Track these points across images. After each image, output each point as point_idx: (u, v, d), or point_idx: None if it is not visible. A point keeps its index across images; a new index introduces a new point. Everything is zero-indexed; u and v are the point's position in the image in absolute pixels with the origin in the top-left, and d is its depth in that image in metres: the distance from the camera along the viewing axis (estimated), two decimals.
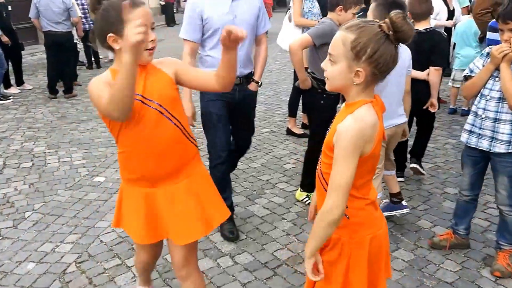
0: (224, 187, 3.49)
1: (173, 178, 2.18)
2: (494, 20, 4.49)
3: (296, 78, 5.65)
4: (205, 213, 2.27)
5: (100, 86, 1.98)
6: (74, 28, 8.40)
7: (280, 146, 5.68)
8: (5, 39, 7.91)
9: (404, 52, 3.27)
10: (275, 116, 6.99)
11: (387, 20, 1.60)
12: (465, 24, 6.40)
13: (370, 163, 1.74)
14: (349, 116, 1.66)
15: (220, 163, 3.54)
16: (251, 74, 3.66)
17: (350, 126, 1.63)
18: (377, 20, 1.66)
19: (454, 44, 6.50)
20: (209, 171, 3.44)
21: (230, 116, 3.59)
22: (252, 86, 3.66)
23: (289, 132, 6.01)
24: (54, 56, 8.08)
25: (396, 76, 3.22)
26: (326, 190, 1.71)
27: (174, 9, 22.00)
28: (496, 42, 4.41)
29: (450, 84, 6.79)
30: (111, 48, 2.01)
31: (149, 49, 2.01)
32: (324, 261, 1.82)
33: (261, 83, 3.74)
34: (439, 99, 5.40)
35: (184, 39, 3.43)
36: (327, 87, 1.78)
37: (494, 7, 4.94)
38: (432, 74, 4.07)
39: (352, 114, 1.66)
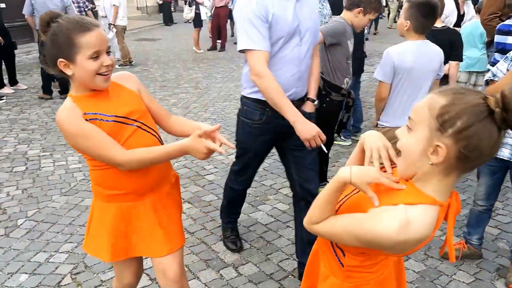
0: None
1: (158, 187, 2.13)
2: (503, 23, 4.38)
3: None
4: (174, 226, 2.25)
5: (89, 131, 1.87)
6: None
7: None
8: None
9: (436, 55, 3.13)
10: None
11: (498, 94, 1.19)
12: (472, 25, 6.30)
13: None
14: (399, 214, 1.26)
15: (240, 190, 3.42)
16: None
17: (390, 232, 1.25)
18: (481, 92, 1.26)
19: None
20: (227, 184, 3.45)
21: (283, 153, 3.10)
22: (308, 107, 2.89)
23: None
24: None
25: (423, 80, 3.10)
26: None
27: (172, 8, 21.80)
28: (504, 45, 4.32)
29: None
30: (62, 73, 1.87)
31: (103, 75, 1.88)
32: None
33: (318, 102, 3.02)
34: None
35: (250, 49, 2.58)
36: (398, 169, 1.39)
37: (503, 11, 4.85)
38: (452, 67, 4.25)
39: (405, 209, 1.27)
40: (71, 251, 3.41)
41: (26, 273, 3.17)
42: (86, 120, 1.86)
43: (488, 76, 2.95)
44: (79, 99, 1.90)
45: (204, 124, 2.15)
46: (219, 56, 12.43)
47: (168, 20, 20.34)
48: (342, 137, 5.74)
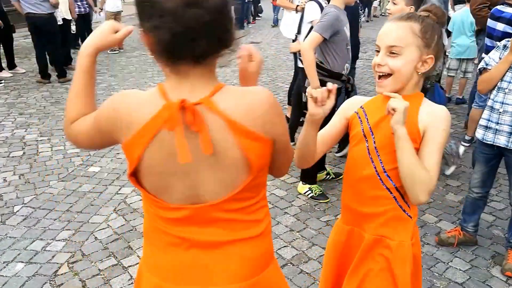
0: None
1: None
2: (496, 7, 4.35)
3: (296, 68, 5.50)
4: None
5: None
6: (57, 10, 8.07)
7: None
8: None
9: None
10: None
11: (425, 12, 1.65)
12: (462, 13, 6.40)
13: None
14: (427, 107, 1.63)
15: None
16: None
17: (445, 112, 1.62)
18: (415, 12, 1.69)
19: (450, 32, 6.43)
20: None
21: None
22: None
23: (288, 120, 5.82)
24: (39, 40, 7.80)
25: None
26: (389, 190, 1.64)
27: None
28: (493, 30, 4.31)
29: (445, 73, 6.69)
30: None
31: None
32: (375, 275, 1.71)
33: None
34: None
35: None
36: (385, 88, 1.63)
37: (492, 0, 4.89)
38: None
39: (428, 105, 1.65)
40: (68, 238, 3.41)
41: (22, 262, 3.16)
42: None
43: (481, 65, 2.94)
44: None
45: None
46: None
47: None
48: None
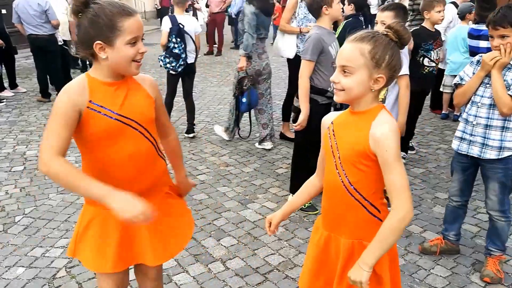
0: None
1: (148, 195, 1.96)
2: (472, 27, 4.55)
3: (291, 85, 5.70)
4: (174, 231, 2.19)
5: (62, 115, 1.82)
6: (58, 31, 8.32)
7: (273, 151, 5.69)
8: None
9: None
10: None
11: (390, 29, 1.76)
12: (455, 30, 6.52)
13: None
14: (380, 123, 1.73)
15: None
16: None
17: (391, 131, 1.70)
18: (378, 31, 1.79)
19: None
20: None
21: None
22: None
23: (282, 136, 6.02)
24: (40, 60, 8.07)
25: None
26: (359, 201, 1.80)
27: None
28: (478, 49, 4.49)
29: (441, 89, 6.84)
30: (93, 56, 1.87)
31: (137, 61, 1.89)
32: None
33: None
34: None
35: None
36: (338, 98, 1.80)
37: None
38: None
39: (380, 120, 1.74)
40: (66, 246, 3.55)
41: (23, 266, 3.32)
42: (88, 107, 1.83)
43: (456, 80, 3.12)
44: (95, 84, 1.88)
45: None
46: (215, 61, 12.63)
47: None
48: None
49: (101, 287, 2.18)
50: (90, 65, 7.61)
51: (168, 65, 5.76)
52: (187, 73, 5.92)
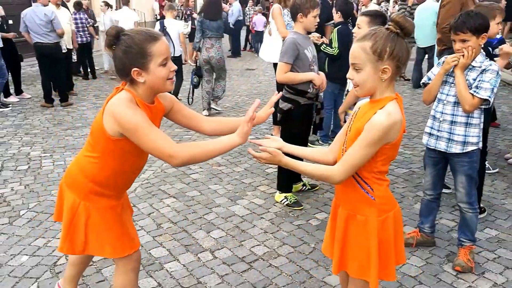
0: None
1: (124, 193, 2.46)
2: None
3: (278, 89, 5.96)
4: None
5: (142, 122, 2.02)
6: (62, 40, 8.65)
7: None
8: None
9: None
10: (261, 125, 7.24)
11: (391, 22, 1.94)
12: None
13: (392, 151, 2.04)
14: (382, 111, 1.93)
15: None
16: None
17: (382, 120, 1.91)
18: (380, 27, 1.99)
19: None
20: None
21: None
22: None
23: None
24: (45, 67, 8.38)
25: None
26: (353, 177, 2.07)
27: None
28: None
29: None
30: (131, 81, 2.09)
31: (170, 79, 2.11)
32: (354, 240, 2.13)
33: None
34: None
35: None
36: (358, 93, 2.05)
37: None
38: None
39: (383, 109, 1.94)
40: None
41: (26, 255, 3.56)
42: None
43: (424, 79, 3.38)
44: (141, 104, 2.10)
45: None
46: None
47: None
48: (320, 141, 6.14)
49: (73, 268, 2.55)
50: (92, 72, 7.93)
51: None
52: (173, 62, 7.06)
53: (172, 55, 6.92)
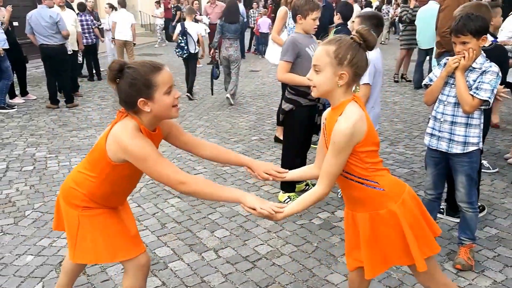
0: None
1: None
2: None
3: (284, 89, 6.01)
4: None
5: (151, 153, 2.10)
6: (67, 41, 8.70)
7: (267, 153, 6.01)
8: None
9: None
10: (265, 125, 7.34)
11: (356, 33, 2.05)
12: None
13: (371, 143, 2.11)
14: (341, 118, 2.03)
15: None
16: None
17: (342, 127, 2.01)
18: (345, 35, 2.10)
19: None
20: None
21: None
22: None
23: (277, 139, 6.31)
24: (50, 69, 8.45)
25: (381, 77, 3.95)
26: (354, 181, 2.15)
27: (173, 23, 22.46)
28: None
29: None
30: (136, 112, 2.15)
31: (175, 106, 2.18)
32: (387, 234, 2.18)
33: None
34: None
35: None
36: (314, 94, 2.13)
37: None
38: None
39: (342, 115, 2.03)
40: None
41: (32, 254, 3.61)
42: None
43: (426, 81, 3.42)
44: (146, 132, 2.18)
45: (256, 162, 2.54)
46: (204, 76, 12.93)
47: (171, 37, 20.77)
48: None
49: (141, 270, 2.48)
50: (97, 74, 8.01)
51: (177, 53, 9.11)
52: (190, 58, 9.19)
53: (191, 52, 9.01)
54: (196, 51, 9.22)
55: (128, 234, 2.44)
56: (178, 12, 19.33)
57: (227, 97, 8.77)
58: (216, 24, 11.99)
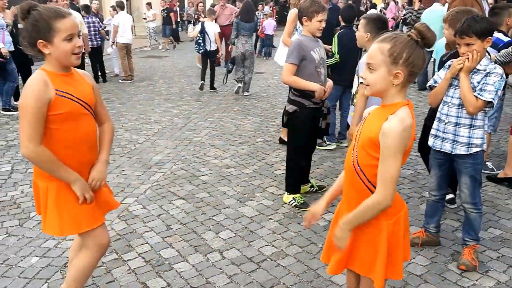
0: None
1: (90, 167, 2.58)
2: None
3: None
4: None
5: (30, 111, 2.24)
6: None
7: (272, 154, 6.02)
8: (4, 51, 8.09)
9: None
10: (270, 127, 7.35)
11: (414, 30, 1.98)
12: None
13: (405, 158, 2.06)
14: (393, 117, 1.95)
15: None
16: None
17: (396, 126, 1.92)
18: (402, 32, 2.05)
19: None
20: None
21: None
22: None
23: (282, 141, 6.32)
24: None
25: None
26: (363, 182, 2.08)
27: (179, 28, 22.59)
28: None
29: None
30: (40, 52, 2.30)
31: (76, 54, 2.32)
32: (364, 240, 2.15)
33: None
34: None
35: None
36: (367, 92, 2.09)
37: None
38: None
39: (394, 115, 1.95)
40: None
41: (37, 256, 3.62)
42: (56, 94, 2.28)
43: (430, 82, 3.43)
44: (54, 76, 2.32)
45: (96, 170, 2.56)
46: (222, 72, 12.94)
47: (175, 39, 20.81)
48: (326, 142, 6.18)
49: (99, 239, 2.62)
50: (103, 76, 8.10)
51: (195, 49, 10.25)
52: (208, 55, 10.18)
53: (209, 49, 10.02)
54: (213, 49, 10.11)
55: (91, 206, 2.52)
56: (172, 14, 19.35)
57: (239, 86, 9.82)
58: (227, 26, 12.45)
